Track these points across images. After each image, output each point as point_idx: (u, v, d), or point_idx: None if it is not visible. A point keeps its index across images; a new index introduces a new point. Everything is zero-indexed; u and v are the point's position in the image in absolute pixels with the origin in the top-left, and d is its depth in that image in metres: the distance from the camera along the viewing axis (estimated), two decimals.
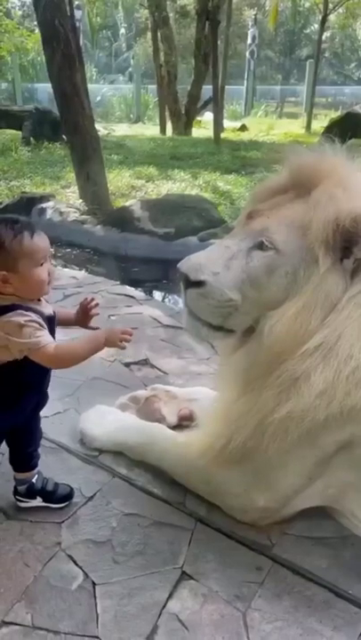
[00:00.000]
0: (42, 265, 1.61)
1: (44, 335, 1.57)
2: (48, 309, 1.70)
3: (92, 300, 1.86)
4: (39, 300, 1.69)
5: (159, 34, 14.94)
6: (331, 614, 1.64)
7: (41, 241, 1.61)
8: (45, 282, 1.63)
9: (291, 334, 1.57)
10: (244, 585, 1.73)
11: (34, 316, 1.58)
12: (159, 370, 2.99)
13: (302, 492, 1.85)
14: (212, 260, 1.71)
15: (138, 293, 4.14)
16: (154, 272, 5.60)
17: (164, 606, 1.66)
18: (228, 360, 1.88)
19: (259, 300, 1.69)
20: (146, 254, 5.81)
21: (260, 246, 1.67)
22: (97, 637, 1.57)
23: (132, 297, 4.01)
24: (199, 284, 1.69)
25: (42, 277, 1.61)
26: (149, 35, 18.06)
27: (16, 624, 1.60)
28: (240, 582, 1.74)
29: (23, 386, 1.74)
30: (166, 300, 5.03)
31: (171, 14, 16.38)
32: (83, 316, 1.84)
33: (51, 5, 5.95)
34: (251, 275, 1.67)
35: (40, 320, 1.59)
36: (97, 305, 1.87)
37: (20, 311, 1.56)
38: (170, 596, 1.69)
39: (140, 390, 2.65)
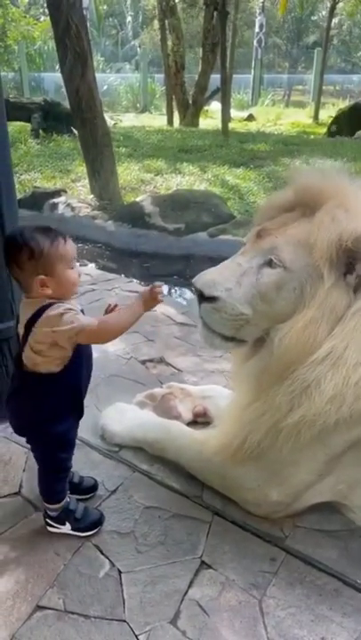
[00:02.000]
0: (73, 267, 1.73)
1: (83, 317, 1.67)
2: (77, 306, 1.81)
3: (116, 305, 1.97)
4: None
5: (167, 23, 14.90)
6: (340, 602, 1.77)
7: (71, 245, 1.73)
8: (77, 282, 1.75)
9: (300, 345, 1.69)
10: (259, 574, 1.86)
11: (68, 305, 1.67)
12: (174, 367, 3.11)
13: (313, 488, 1.97)
14: (224, 277, 1.83)
15: None
16: (164, 268, 5.71)
17: (185, 593, 1.79)
18: (241, 366, 2.00)
19: (268, 314, 1.81)
20: (156, 250, 5.92)
21: (270, 264, 1.78)
22: (124, 621, 1.70)
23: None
24: (213, 299, 1.82)
25: (74, 278, 1.73)
26: (156, 23, 18.03)
27: (50, 608, 1.74)
28: (255, 572, 1.87)
29: (82, 390, 1.86)
30: (176, 294, 5.14)
31: (178, 3, 16.29)
32: None
33: (63, 1, 6.00)
34: (261, 290, 1.79)
35: (75, 307, 1.69)
36: (116, 306, 1.97)
37: (54, 305, 1.66)
38: (190, 584, 1.82)
39: (157, 388, 2.78)
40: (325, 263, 1.67)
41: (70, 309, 1.65)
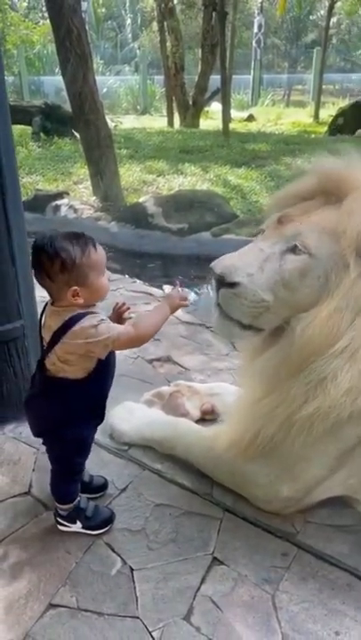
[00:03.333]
0: (104, 274, 1.71)
1: (116, 325, 1.66)
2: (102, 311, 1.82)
3: (124, 304, 1.97)
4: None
5: (165, 24, 14.94)
6: (353, 596, 1.77)
7: (101, 252, 1.70)
8: (108, 288, 1.73)
9: (323, 336, 1.67)
10: (271, 569, 1.86)
11: (100, 315, 1.66)
12: (181, 366, 3.11)
13: (324, 483, 1.97)
14: (246, 262, 1.78)
15: (156, 290, 4.26)
16: (168, 268, 5.72)
17: (198, 589, 1.79)
18: (254, 359, 1.98)
19: (290, 302, 1.77)
20: (160, 250, 5.93)
21: (294, 250, 1.74)
22: (138, 618, 1.70)
23: (150, 294, 4.13)
24: (233, 284, 1.76)
25: (105, 285, 1.71)
26: (155, 25, 18.07)
27: (63, 606, 1.74)
28: (268, 567, 1.87)
29: (105, 397, 1.87)
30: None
31: (177, 4, 16.32)
32: (117, 320, 1.96)
33: (64, 5, 6.02)
34: (284, 277, 1.75)
35: (105, 316, 1.69)
36: (128, 309, 1.98)
37: (87, 316, 1.63)
38: (203, 580, 1.82)
39: (164, 386, 2.78)
40: (353, 252, 1.65)
41: (103, 320, 1.64)
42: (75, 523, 1.98)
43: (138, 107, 20.62)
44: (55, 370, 1.73)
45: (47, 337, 1.71)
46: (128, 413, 2.53)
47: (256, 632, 1.66)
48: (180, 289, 1.83)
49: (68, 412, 1.79)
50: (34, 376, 1.87)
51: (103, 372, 1.78)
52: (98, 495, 2.13)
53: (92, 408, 1.84)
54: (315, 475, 1.95)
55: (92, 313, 1.66)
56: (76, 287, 1.63)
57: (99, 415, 1.88)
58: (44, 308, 1.77)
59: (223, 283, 1.79)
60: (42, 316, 1.78)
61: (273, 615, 1.71)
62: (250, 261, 1.78)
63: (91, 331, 1.61)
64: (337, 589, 1.79)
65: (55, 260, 1.60)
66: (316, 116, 16.92)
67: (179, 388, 2.73)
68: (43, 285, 1.69)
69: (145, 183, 8.15)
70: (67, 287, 1.63)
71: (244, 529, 2.02)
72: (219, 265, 1.80)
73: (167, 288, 5.14)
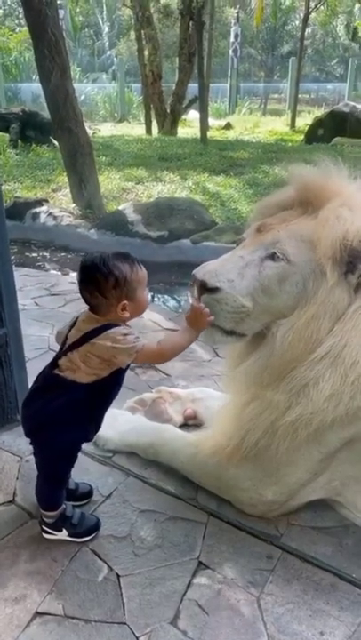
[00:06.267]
0: (146, 289, 1.79)
1: (140, 339, 1.72)
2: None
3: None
4: None
5: (143, 33, 15.03)
6: (337, 596, 1.80)
7: (144, 269, 1.78)
8: (149, 302, 1.82)
9: (302, 342, 1.72)
10: (256, 572, 1.88)
11: (132, 329, 1.74)
12: (163, 373, 3.13)
13: (307, 486, 2.01)
14: (226, 269, 1.83)
15: None
16: (149, 275, 5.70)
17: (184, 594, 1.80)
18: (237, 365, 2.02)
19: (269, 307, 1.82)
20: (140, 257, 5.73)
21: (272, 257, 1.79)
22: (125, 624, 1.71)
23: None
24: (214, 290, 1.81)
25: (148, 299, 1.80)
26: (133, 33, 18.15)
27: (49, 614, 1.74)
28: (253, 570, 1.89)
29: (109, 401, 1.89)
30: (161, 301, 5.17)
31: (154, 13, 16.44)
32: None
33: (42, 13, 6.03)
34: (263, 283, 1.80)
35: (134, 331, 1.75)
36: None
37: (120, 326, 1.72)
38: (189, 585, 1.83)
39: (147, 393, 2.79)
40: (329, 261, 1.70)
41: (133, 332, 1.72)
42: (60, 531, 1.99)
43: (116, 114, 20.68)
44: (68, 368, 1.76)
45: (73, 339, 1.76)
46: (112, 420, 2.53)
47: (242, 635, 1.68)
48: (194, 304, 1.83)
49: (63, 411, 1.80)
50: (41, 373, 1.89)
51: (110, 386, 1.82)
52: (84, 503, 2.13)
53: (86, 414, 1.85)
54: (298, 478, 1.99)
55: (127, 326, 1.75)
56: (125, 302, 1.71)
57: (93, 427, 1.91)
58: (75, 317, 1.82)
59: (205, 288, 1.83)
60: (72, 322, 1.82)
61: (259, 617, 1.74)
62: (230, 268, 1.83)
63: (120, 337, 1.68)
64: (321, 590, 1.82)
65: (109, 277, 1.68)
66: (293, 124, 17.17)
67: (161, 394, 2.75)
68: (90, 302, 1.75)
69: (124, 191, 8.18)
70: (117, 302, 1.70)
71: (228, 533, 2.04)
72: (200, 271, 1.85)
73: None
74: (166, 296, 5.22)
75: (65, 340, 1.80)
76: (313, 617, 1.74)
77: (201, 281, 1.83)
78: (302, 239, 1.78)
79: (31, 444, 1.96)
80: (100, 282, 1.69)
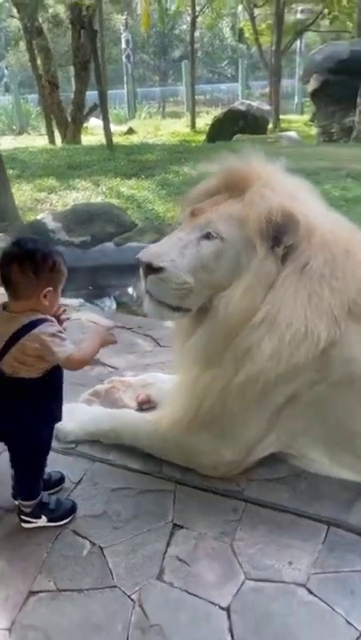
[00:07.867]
0: None
1: (68, 344, 1.77)
2: None
3: (60, 307, 2.10)
4: None
5: (34, 43, 14.94)
6: (298, 531, 2.05)
7: None
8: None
9: (242, 310, 1.94)
10: (225, 523, 2.09)
11: (57, 325, 1.79)
12: (111, 367, 3.26)
13: (261, 443, 2.23)
14: (168, 250, 2.03)
15: (71, 301, 4.35)
16: (76, 281, 5.80)
17: (165, 552, 1.97)
18: (185, 342, 2.21)
19: (210, 282, 2.03)
20: (66, 264, 5.99)
21: (208, 236, 2.01)
22: (115, 587, 1.85)
23: (66, 305, 4.21)
24: (159, 270, 2.00)
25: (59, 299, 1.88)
26: (22, 44, 17.95)
27: (43, 591, 1.85)
28: (222, 522, 2.10)
29: (59, 393, 1.97)
30: (94, 304, 5.27)
31: (43, 23, 16.35)
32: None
33: None
34: (202, 260, 2.01)
35: (61, 329, 1.81)
36: (65, 311, 2.11)
37: (47, 322, 1.75)
38: (168, 544, 2.01)
39: (99, 385, 2.93)
40: (257, 235, 1.93)
41: (60, 332, 1.76)
42: (39, 517, 2.08)
43: (14, 127, 20.30)
44: (13, 371, 1.83)
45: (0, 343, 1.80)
46: (69, 413, 2.61)
47: (222, 576, 1.88)
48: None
49: (28, 410, 1.89)
50: None
51: (58, 372, 1.91)
52: (57, 489, 2.24)
53: (51, 406, 1.96)
54: (252, 436, 2.21)
55: (50, 320, 1.79)
56: (50, 288, 1.77)
57: (57, 415, 2.01)
58: None
59: (150, 269, 2.01)
60: None
61: (234, 560, 1.94)
62: (171, 249, 2.03)
63: (48, 340, 1.73)
64: (284, 528, 2.06)
65: (48, 259, 1.74)
66: (193, 125, 17.72)
67: (113, 383, 2.89)
68: (18, 279, 1.74)
69: (38, 201, 8.17)
70: (44, 287, 1.75)
71: (196, 496, 2.23)
72: (145, 254, 2.03)
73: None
74: (98, 299, 5.32)
75: None
76: (280, 551, 1.97)
77: (146, 262, 2.01)
78: (232, 218, 2.00)
79: (5, 443, 2.03)
80: (39, 261, 1.72)
